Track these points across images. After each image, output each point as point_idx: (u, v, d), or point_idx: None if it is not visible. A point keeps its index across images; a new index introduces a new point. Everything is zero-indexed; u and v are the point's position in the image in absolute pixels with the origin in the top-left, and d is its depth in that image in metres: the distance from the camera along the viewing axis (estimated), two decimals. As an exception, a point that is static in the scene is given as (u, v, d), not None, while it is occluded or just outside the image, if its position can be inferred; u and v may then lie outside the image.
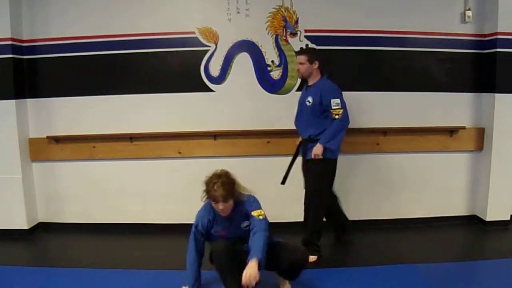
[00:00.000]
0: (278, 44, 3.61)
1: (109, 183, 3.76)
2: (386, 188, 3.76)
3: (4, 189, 3.61)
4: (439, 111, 3.71)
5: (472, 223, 3.80)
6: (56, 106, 3.71)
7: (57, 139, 3.70)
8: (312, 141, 3.05)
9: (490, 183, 3.64)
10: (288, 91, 3.64)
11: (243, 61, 3.62)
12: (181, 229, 3.59)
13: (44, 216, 3.85)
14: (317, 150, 2.96)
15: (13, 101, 3.54)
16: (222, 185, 2.30)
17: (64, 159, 3.74)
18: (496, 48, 3.51)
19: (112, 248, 3.49)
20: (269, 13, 3.58)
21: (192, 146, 3.69)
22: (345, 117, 3.00)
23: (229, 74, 3.64)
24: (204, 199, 2.41)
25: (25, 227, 3.66)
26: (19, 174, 3.61)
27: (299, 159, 3.23)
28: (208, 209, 2.46)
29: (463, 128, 3.68)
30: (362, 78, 3.65)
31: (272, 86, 3.66)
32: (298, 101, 3.25)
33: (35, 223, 3.80)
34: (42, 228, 3.84)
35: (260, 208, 2.45)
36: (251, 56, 3.62)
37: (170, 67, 3.63)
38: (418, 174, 3.76)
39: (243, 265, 2.25)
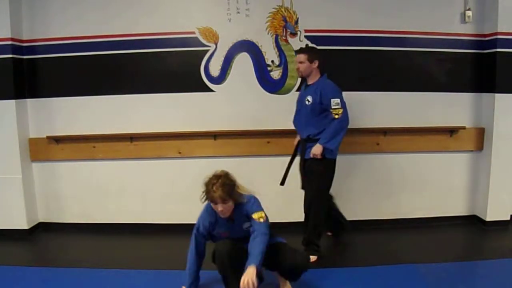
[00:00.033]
0: (278, 44, 3.61)
1: (109, 183, 3.76)
2: (386, 188, 3.76)
3: (4, 189, 3.61)
4: (439, 111, 3.71)
5: (472, 223, 3.80)
6: (56, 106, 3.71)
7: (57, 139, 3.70)
8: (311, 140, 3.05)
9: (490, 183, 3.64)
10: (288, 91, 3.64)
11: (243, 61, 3.62)
12: (181, 229, 3.61)
13: (44, 216, 3.85)
14: (317, 150, 2.96)
15: (13, 101, 3.54)
16: (221, 186, 2.29)
17: (64, 159, 3.75)
18: (496, 48, 3.51)
19: (112, 248, 3.50)
20: (269, 13, 3.58)
21: (192, 146, 3.69)
22: (344, 117, 2.99)
23: (229, 74, 3.64)
24: (203, 200, 2.39)
25: (25, 227, 3.66)
26: (19, 174, 3.62)
27: (298, 159, 3.23)
28: (209, 211, 2.44)
29: (463, 128, 3.69)
30: (362, 78, 3.64)
31: (272, 86, 3.66)
32: (297, 100, 3.24)
33: (35, 223, 3.80)
34: (42, 228, 3.84)
35: (260, 209, 2.43)
36: (251, 56, 3.62)
37: (170, 67, 3.63)
38: (418, 174, 3.76)
39: (244, 265, 2.25)
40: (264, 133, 3.63)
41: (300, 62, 3.07)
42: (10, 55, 3.49)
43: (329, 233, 3.44)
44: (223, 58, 3.62)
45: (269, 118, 3.64)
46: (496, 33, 3.49)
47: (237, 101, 3.66)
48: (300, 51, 3.16)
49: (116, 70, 3.65)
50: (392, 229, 3.70)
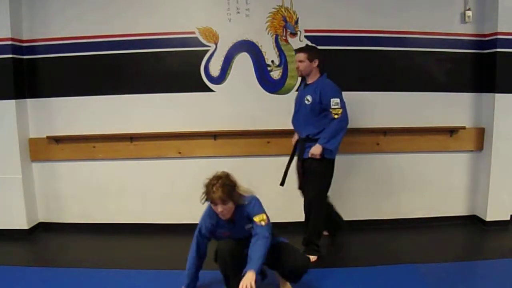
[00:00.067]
0: (278, 44, 3.61)
1: (109, 183, 3.76)
2: (386, 188, 3.76)
3: (4, 189, 3.61)
4: (439, 111, 3.71)
5: (472, 223, 3.80)
6: (56, 106, 3.71)
7: (57, 139, 3.70)
8: (310, 140, 3.04)
9: (490, 183, 3.64)
10: (288, 91, 3.64)
11: (243, 61, 3.62)
12: (181, 229, 3.62)
13: (44, 216, 3.85)
14: (316, 150, 2.95)
15: (13, 101, 3.54)
16: (222, 187, 2.27)
17: (64, 159, 3.75)
18: (496, 48, 3.51)
19: (112, 248, 3.50)
20: (269, 13, 3.58)
21: (192, 146, 3.69)
22: (344, 117, 2.99)
23: (229, 74, 3.64)
24: (203, 201, 2.37)
25: (25, 227, 3.66)
26: (19, 174, 3.62)
27: (295, 158, 3.22)
28: (210, 213, 2.43)
29: (463, 128, 3.69)
30: (362, 78, 3.64)
31: (272, 86, 3.66)
32: (295, 99, 3.23)
33: (35, 223, 3.80)
34: (42, 228, 3.84)
35: (262, 212, 2.41)
36: (251, 56, 3.62)
37: (170, 67, 3.63)
38: (418, 174, 3.76)
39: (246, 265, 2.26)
40: (264, 133, 3.63)
41: (300, 61, 3.06)
42: (10, 55, 3.49)
43: (326, 233, 3.42)
44: (223, 58, 3.62)
45: (269, 118, 3.64)
46: (496, 33, 3.49)
47: (237, 101, 3.66)
48: (300, 50, 3.15)
49: (116, 70, 3.65)
50: (392, 229, 3.70)
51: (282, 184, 3.21)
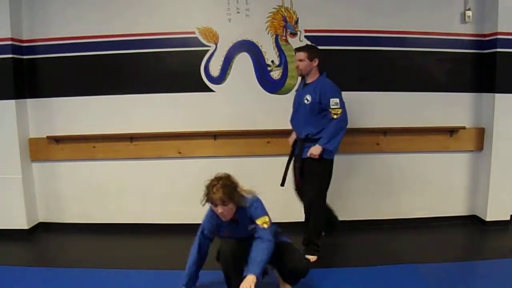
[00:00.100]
0: (278, 44, 3.61)
1: (109, 183, 3.76)
2: (386, 188, 3.76)
3: (4, 189, 3.61)
4: (439, 111, 3.71)
5: (472, 223, 3.80)
6: (56, 106, 3.71)
7: (57, 139, 3.70)
8: (309, 140, 3.03)
9: (490, 183, 3.64)
10: (288, 91, 3.64)
11: (243, 61, 3.62)
12: (181, 229, 3.62)
13: (44, 216, 3.85)
14: (316, 150, 2.94)
15: (13, 101, 3.54)
16: (222, 188, 2.25)
17: (64, 159, 3.75)
18: (496, 48, 3.51)
19: (112, 248, 3.50)
20: (269, 13, 3.58)
21: (192, 146, 3.69)
22: (343, 117, 2.98)
23: (229, 74, 3.64)
24: (203, 203, 2.35)
25: (25, 227, 3.66)
26: (19, 174, 3.62)
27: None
28: (213, 214, 2.41)
29: (463, 128, 3.69)
30: (362, 78, 3.64)
31: (272, 86, 3.66)
32: (294, 98, 3.23)
33: (35, 223, 3.80)
34: (42, 228, 3.84)
35: (264, 213, 2.39)
36: (251, 56, 3.62)
37: (170, 67, 3.63)
38: (418, 174, 3.76)
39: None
40: (264, 133, 3.64)
41: (300, 60, 3.04)
42: (10, 55, 3.49)
43: (322, 233, 3.38)
44: (223, 58, 3.62)
45: (269, 118, 3.64)
46: (496, 33, 3.49)
47: (237, 101, 3.66)
48: (300, 49, 3.13)
49: (116, 70, 3.65)
50: (392, 229, 3.70)
51: (282, 184, 3.21)
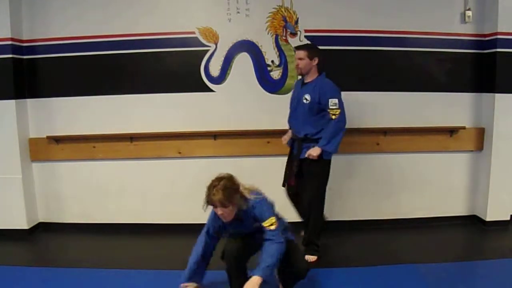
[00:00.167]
0: (278, 44, 3.61)
1: (109, 183, 3.76)
2: (386, 188, 3.76)
3: (4, 189, 3.61)
4: (439, 111, 3.71)
5: (472, 223, 3.80)
6: (56, 106, 3.71)
7: (57, 139, 3.70)
8: (308, 140, 3.02)
9: (490, 183, 3.64)
10: (288, 91, 3.64)
11: (243, 61, 3.62)
12: (181, 229, 3.62)
13: (44, 216, 3.85)
14: (315, 151, 2.93)
15: (13, 101, 3.54)
16: (222, 190, 2.17)
17: (64, 159, 3.74)
18: (496, 48, 3.51)
19: (112, 248, 3.50)
20: (269, 13, 3.58)
21: (192, 146, 3.69)
22: (342, 117, 2.96)
23: (229, 74, 3.64)
24: (205, 207, 2.29)
25: (25, 227, 3.66)
26: (19, 174, 3.61)
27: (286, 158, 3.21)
28: (217, 215, 2.35)
29: (463, 128, 3.69)
30: (362, 78, 3.64)
31: (272, 86, 3.66)
32: (292, 98, 3.22)
33: (35, 223, 3.80)
34: (42, 228, 3.84)
35: (269, 215, 2.31)
36: (251, 56, 3.62)
37: (170, 67, 3.63)
38: (418, 174, 3.76)
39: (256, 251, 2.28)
40: (264, 133, 3.63)
41: (300, 59, 3.02)
42: (10, 55, 3.49)
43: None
44: (223, 58, 3.62)
45: (269, 118, 3.64)
46: (496, 33, 3.49)
47: (237, 101, 3.66)
48: (300, 47, 3.13)
49: (116, 70, 3.65)
50: (392, 229, 3.70)
51: (283, 185, 3.21)
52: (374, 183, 3.75)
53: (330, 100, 2.94)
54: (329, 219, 3.42)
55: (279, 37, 3.61)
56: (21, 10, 3.58)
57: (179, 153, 3.70)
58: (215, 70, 3.64)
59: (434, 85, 3.68)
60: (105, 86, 3.68)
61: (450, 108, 3.71)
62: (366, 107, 3.65)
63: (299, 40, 3.58)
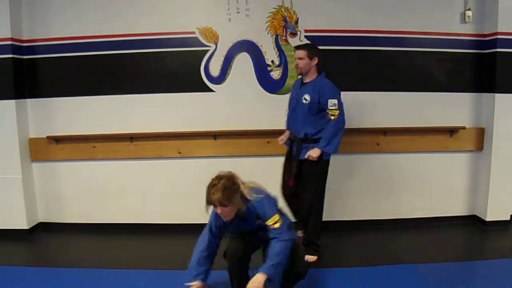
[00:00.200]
0: (278, 44, 3.62)
1: (109, 183, 3.76)
2: (386, 188, 3.76)
3: (4, 189, 3.61)
4: (439, 111, 3.71)
5: (472, 223, 3.80)
6: (56, 106, 3.71)
7: (57, 139, 3.70)
8: (308, 140, 3.02)
9: (490, 183, 3.64)
10: (288, 91, 3.62)
11: (243, 61, 3.62)
12: (181, 229, 3.62)
13: (44, 216, 3.85)
14: (315, 153, 2.93)
15: (13, 101, 3.54)
16: (221, 189, 2.14)
17: (64, 159, 3.74)
18: (496, 48, 3.51)
19: (112, 248, 3.50)
20: (269, 13, 3.58)
21: (192, 146, 3.69)
22: (341, 118, 2.96)
23: (229, 74, 3.64)
24: (206, 208, 2.26)
25: (25, 227, 3.66)
26: (19, 174, 3.61)
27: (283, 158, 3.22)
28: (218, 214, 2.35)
29: (463, 128, 3.69)
30: (362, 78, 3.64)
31: (272, 86, 3.66)
32: (291, 98, 3.21)
33: (35, 223, 3.80)
34: (42, 228, 3.84)
35: (272, 213, 2.28)
36: (251, 56, 3.62)
37: (170, 67, 3.63)
38: (418, 174, 3.76)
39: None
40: (264, 133, 3.63)
41: (300, 58, 3.02)
42: (10, 55, 3.49)
43: (302, 234, 3.27)
44: (223, 58, 3.62)
45: (269, 118, 3.64)
46: (496, 33, 3.49)
47: (237, 101, 3.66)
48: (300, 47, 3.12)
49: (116, 70, 3.65)
50: (392, 229, 3.70)
51: (282, 187, 3.21)
52: (374, 183, 3.75)
53: (329, 100, 2.94)
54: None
55: (279, 37, 3.61)
56: (21, 10, 3.58)
57: (179, 153, 3.70)
58: (215, 70, 3.64)
59: (434, 85, 3.68)
60: (105, 86, 3.68)
61: (450, 108, 3.71)
62: (366, 107, 3.65)
63: (299, 40, 3.58)
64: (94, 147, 3.71)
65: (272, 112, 3.63)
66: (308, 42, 3.52)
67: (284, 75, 3.64)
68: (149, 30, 3.58)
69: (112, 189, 3.77)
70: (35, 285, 2.81)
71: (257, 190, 2.34)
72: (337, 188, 3.60)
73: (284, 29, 3.59)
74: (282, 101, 3.58)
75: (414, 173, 3.76)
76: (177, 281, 2.55)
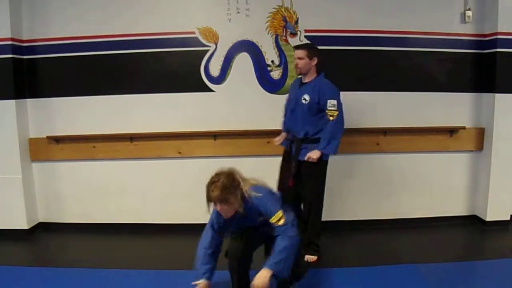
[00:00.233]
0: (278, 44, 3.62)
1: (109, 183, 3.76)
2: (386, 188, 3.76)
3: (4, 189, 3.61)
4: (439, 111, 3.71)
5: (472, 223, 3.80)
6: (56, 106, 3.71)
7: (57, 139, 3.70)
8: (308, 140, 3.01)
9: (490, 183, 3.64)
10: (288, 91, 3.63)
11: (243, 61, 3.62)
12: (181, 229, 3.62)
13: (44, 216, 3.85)
14: (315, 154, 2.92)
15: (13, 101, 3.54)
16: (221, 186, 2.13)
17: (64, 159, 3.74)
18: (496, 48, 3.51)
19: (112, 248, 3.50)
20: (269, 13, 3.58)
21: (192, 146, 3.69)
22: (339, 119, 2.95)
23: (229, 74, 3.64)
24: (207, 206, 2.25)
25: (25, 227, 3.66)
26: (19, 174, 3.61)
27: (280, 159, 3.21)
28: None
29: (463, 128, 3.69)
30: (362, 78, 3.64)
31: (272, 86, 3.66)
32: (289, 99, 3.21)
33: (35, 223, 3.80)
34: (42, 228, 3.84)
35: (275, 209, 2.26)
36: (251, 56, 3.62)
37: (170, 67, 3.63)
38: (418, 174, 3.76)
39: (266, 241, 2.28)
40: (264, 133, 3.63)
41: (299, 58, 3.01)
42: (10, 55, 3.49)
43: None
44: (223, 58, 3.62)
45: (269, 118, 3.63)
46: (496, 33, 3.49)
47: (237, 101, 3.66)
48: (300, 46, 3.12)
49: (116, 70, 3.65)
50: (392, 229, 3.70)
51: (279, 188, 3.20)
52: (374, 183, 3.75)
53: (328, 101, 2.93)
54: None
55: (279, 37, 3.61)
56: (21, 10, 3.58)
57: (179, 153, 3.70)
58: (215, 70, 3.64)
59: (434, 85, 3.68)
60: (105, 86, 3.68)
61: (450, 108, 3.71)
62: (366, 107, 3.65)
63: (299, 40, 3.58)
64: (94, 147, 3.71)
65: (272, 112, 3.62)
66: (308, 42, 3.52)
67: (284, 75, 3.64)
68: (149, 30, 3.58)
69: (112, 189, 3.77)
70: (35, 285, 2.82)
71: (259, 186, 2.32)
72: (337, 188, 3.60)
73: (284, 29, 3.59)
74: (282, 101, 3.57)
75: (414, 173, 3.76)
76: (177, 281, 2.56)
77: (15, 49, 3.52)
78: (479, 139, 3.71)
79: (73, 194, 3.79)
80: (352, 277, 2.80)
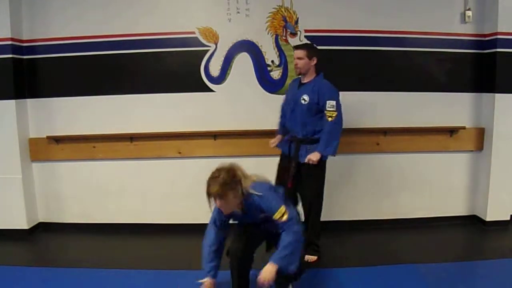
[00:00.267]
0: (278, 44, 3.62)
1: (109, 183, 3.76)
2: (386, 188, 3.76)
3: (4, 189, 3.61)
4: (439, 111, 3.71)
5: (472, 223, 3.80)
6: (56, 106, 3.71)
7: (57, 139, 3.70)
8: (307, 140, 3.01)
9: (490, 183, 3.64)
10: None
11: (243, 61, 3.63)
12: (181, 229, 3.62)
13: (44, 216, 3.85)
14: (315, 156, 2.92)
15: (13, 101, 3.54)
16: (220, 181, 2.10)
17: (64, 159, 3.75)
18: (496, 48, 3.51)
19: (112, 248, 3.50)
20: (269, 13, 3.58)
21: (192, 146, 3.69)
22: (338, 120, 2.95)
23: (229, 74, 3.64)
24: (209, 203, 2.22)
25: (25, 227, 3.66)
26: (19, 174, 3.61)
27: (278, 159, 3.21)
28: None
29: (463, 128, 3.69)
30: (362, 78, 3.64)
31: (272, 86, 3.66)
32: (287, 99, 3.20)
33: (35, 223, 3.80)
34: (42, 228, 3.84)
35: (277, 205, 2.23)
36: (251, 56, 3.62)
37: (170, 67, 3.63)
38: (418, 174, 3.76)
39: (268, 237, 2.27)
40: (264, 133, 3.62)
41: (299, 58, 3.01)
42: (10, 55, 3.49)
43: None
44: (223, 58, 3.62)
45: (269, 118, 3.62)
46: (496, 33, 3.49)
47: (237, 101, 3.66)
48: (299, 46, 3.11)
49: (116, 70, 3.65)
50: (392, 229, 3.70)
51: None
52: (374, 183, 3.75)
53: (327, 102, 2.93)
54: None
55: (279, 37, 3.61)
56: (21, 10, 3.58)
57: (179, 153, 3.70)
58: (215, 70, 3.64)
59: (434, 85, 3.68)
60: (105, 86, 3.68)
61: (450, 108, 3.71)
62: (366, 107, 3.65)
63: (299, 40, 3.58)
64: (94, 147, 3.71)
65: (272, 112, 3.61)
66: (308, 42, 3.52)
67: (284, 75, 3.64)
68: (149, 30, 3.58)
69: (112, 189, 3.77)
70: (35, 285, 2.82)
71: (261, 183, 2.30)
72: (337, 188, 3.60)
73: (284, 29, 3.60)
74: (282, 101, 3.59)
75: (414, 173, 3.76)
76: (177, 281, 2.56)
77: (15, 49, 3.52)
78: (479, 139, 3.71)
79: (73, 194, 3.79)
80: (352, 277, 2.80)
